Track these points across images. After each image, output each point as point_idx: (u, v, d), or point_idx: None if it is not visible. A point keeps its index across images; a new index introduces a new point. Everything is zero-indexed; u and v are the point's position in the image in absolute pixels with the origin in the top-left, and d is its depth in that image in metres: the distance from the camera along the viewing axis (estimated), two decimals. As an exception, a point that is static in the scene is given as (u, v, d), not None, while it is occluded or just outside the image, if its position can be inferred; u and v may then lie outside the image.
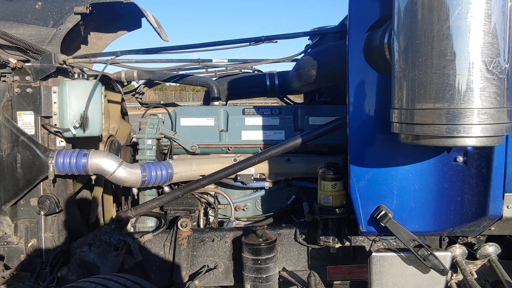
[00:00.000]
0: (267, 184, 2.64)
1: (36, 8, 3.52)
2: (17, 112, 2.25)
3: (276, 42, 2.36)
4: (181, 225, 2.31)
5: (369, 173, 1.85)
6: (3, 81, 2.25)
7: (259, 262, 2.19)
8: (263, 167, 2.54)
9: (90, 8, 3.02)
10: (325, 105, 2.82)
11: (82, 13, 3.34)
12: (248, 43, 2.31)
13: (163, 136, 2.59)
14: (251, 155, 2.57)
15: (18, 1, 3.54)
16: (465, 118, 1.35)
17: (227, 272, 2.38)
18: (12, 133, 2.19)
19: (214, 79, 3.23)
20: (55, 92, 2.27)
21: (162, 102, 3.14)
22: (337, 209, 2.14)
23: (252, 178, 2.56)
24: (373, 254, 1.94)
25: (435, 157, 1.75)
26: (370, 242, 2.31)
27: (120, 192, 3.02)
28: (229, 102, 3.32)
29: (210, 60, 2.88)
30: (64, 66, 2.36)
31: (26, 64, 2.25)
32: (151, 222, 2.60)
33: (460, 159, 1.74)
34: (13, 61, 2.19)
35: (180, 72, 3.19)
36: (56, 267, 2.27)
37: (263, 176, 2.60)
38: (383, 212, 1.81)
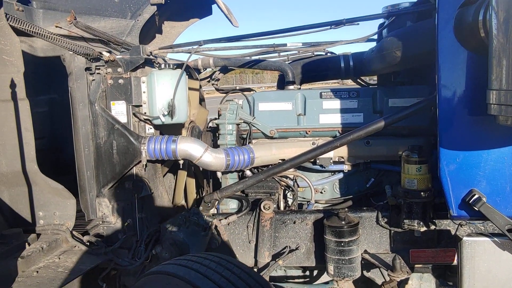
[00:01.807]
0: (346, 167, 2.65)
1: (115, 1, 3.71)
2: (111, 102, 2.42)
3: (358, 24, 2.33)
4: (264, 207, 2.39)
5: (461, 156, 1.80)
6: (97, 73, 2.41)
7: (342, 244, 2.21)
8: (342, 150, 2.54)
9: None
10: (403, 86, 2.75)
11: (158, 3, 3.48)
12: (329, 27, 2.30)
13: (242, 121, 2.67)
14: (330, 138, 2.59)
15: (98, -4, 3.75)
16: None
17: (309, 253, 2.43)
18: (108, 121, 2.36)
19: (287, 62, 3.25)
20: (144, 82, 2.41)
21: (238, 87, 3.22)
22: (422, 193, 2.11)
23: (331, 161, 2.58)
24: (465, 238, 1.90)
25: (536, 139, 1.67)
26: (456, 226, 2.26)
27: (201, 176, 3.16)
28: (303, 85, 3.33)
29: (285, 45, 2.90)
30: (151, 57, 2.49)
31: (117, 56, 2.40)
32: (233, 204, 2.70)
33: None
34: (106, 54, 2.35)
35: (254, 58, 3.24)
36: (149, 245, 2.45)
37: (342, 159, 2.61)
38: (476, 196, 1.76)
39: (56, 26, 2.62)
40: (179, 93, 2.37)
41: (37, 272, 2.10)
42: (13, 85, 2.30)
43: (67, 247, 2.38)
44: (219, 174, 2.62)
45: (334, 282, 2.41)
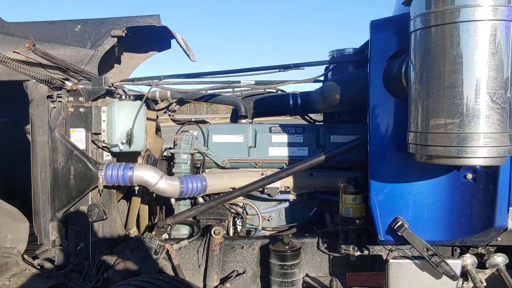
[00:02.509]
0: (291, 197, 2.86)
1: (75, 30, 3.83)
2: (71, 129, 2.53)
3: (304, 69, 2.61)
4: (214, 232, 2.54)
5: (387, 188, 2.07)
6: (59, 101, 2.52)
7: (285, 267, 2.40)
8: (288, 181, 2.77)
9: (125, 31, 3.31)
10: (345, 124, 3.04)
11: (119, 36, 3.65)
12: (278, 70, 2.57)
13: (196, 151, 2.84)
14: (277, 169, 2.81)
15: (59, 24, 3.86)
16: (472, 141, 1.57)
17: (255, 277, 2.59)
18: (67, 148, 2.46)
19: (240, 98, 3.48)
20: (104, 112, 2.54)
21: (193, 119, 3.40)
22: (357, 220, 2.36)
23: (277, 190, 2.79)
24: (390, 260, 2.15)
25: (447, 174, 1.97)
26: (387, 252, 2.51)
27: (154, 202, 3.27)
28: (254, 119, 3.57)
29: (239, 82, 3.15)
30: (112, 88, 2.64)
31: (80, 86, 2.53)
32: (185, 230, 2.83)
33: (469, 176, 1.96)
34: (69, 83, 2.48)
35: (209, 92, 3.46)
36: (101, 269, 2.52)
37: (288, 189, 2.83)
38: (399, 223, 2.03)
39: (14, 52, 2.69)
40: (138, 123, 2.52)
41: (-14, 294, 2.12)
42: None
43: (17, 270, 2.41)
44: (172, 201, 2.75)
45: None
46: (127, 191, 2.98)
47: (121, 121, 2.49)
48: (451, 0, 1.57)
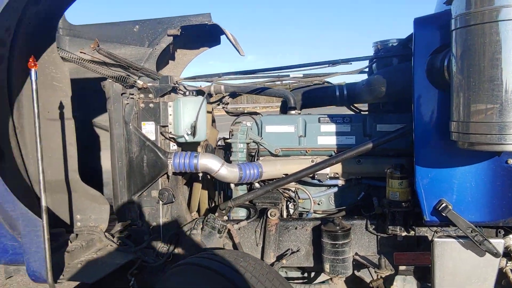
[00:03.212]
0: (340, 182, 3.07)
1: (134, 30, 4.17)
2: (142, 123, 2.85)
3: (351, 63, 2.80)
4: (270, 214, 2.81)
5: (432, 172, 2.25)
6: (131, 98, 2.85)
7: (336, 246, 2.63)
8: (337, 168, 2.98)
9: (180, 30, 3.60)
10: (390, 114, 3.20)
11: (174, 34, 3.95)
12: (328, 65, 2.77)
13: (251, 141, 3.11)
14: (326, 157, 3.02)
15: (119, 25, 4.21)
16: (510, 129, 1.72)
17: (308, 255, 2.84)
18: (140, 139, 2.78)
19: (289, 90, 3.71)
20: (170, 106, 2.84)
21: (246, 111, 3.66)
22: (403, 203, 2.54)
23: (327, 176, 3.01)
24: (436, 239, 2.34)
25: (488, 159, 2.12)
26: (432, 233, 2.68)
27: (211, 188, 3.57)
28: (302, 110, 3.78)
29: (288, 76, 3.38)
30: (177, 85, 2.94)
31: (149, 84, 2.84)
32: (242, 212, 3.12)
33: (511, 161, 2.10)
34: (140, 82, 2.80)
35: (258, 86, 3.71)
36: (171, 246, 2.85)
37: (337, 175, 3.04)
38: (444, 205, 2.20)
39: (81, 52, 2.98)
40: (200, 116, 2.81)
41: (81, 264, 2.49)
42: (61, 107, 2.73)
43: (101, 245, 2.77)
44: (232, 186, 3.03)
45: (329, 281, 2.82)
46: (188, 178, 3.30)
47: (186, 114, 2.78)
48: (490, 1, 1.72)
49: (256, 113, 3.56)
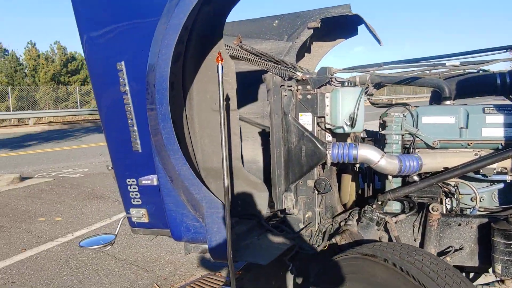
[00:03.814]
0: (508, 178, 2.84)
1: (273, 25, 4.30)
2: (299, 113, 2.93)
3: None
4: (432, 209, 2.70)
5: None
6: (289, 90, 2.94)
7: (511, 246, 2.44)
8: (506, 161, 2.75)
9: (320, 23, 3.59)
10: None
11: (315, 27, 3.97)
12: (505, 50, 2.56)
13: (407, 132, 3.01)
14: (491, 150, 2.81)
15: (259, 21, 4.36)
16: None
17: (472, 254, 2.67)
18: (299, 129, 2.86)
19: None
20: (327, 97, 2.87)
21: (394, 102, 3.56)
22: None
23: (494, 171, 2.80)
24: None
25: None
26: None
27: (357, 179, 3.55)
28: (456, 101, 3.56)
29: (444, 64, 3.20)
30: (334, 77, 2.96)
31: (307, 76, 2.90)
32: (396, 205, 3.05)
33: None
34: (299, 74, 2.87)
35: (406, 76, 3.57)
36: (325, 234, 2.90)
37: (505, 170, 2.81)
38: None
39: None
40: (359, 107, 2.79)
41: (248, 247, 2.65)
42: (227, 99, 2.92)
43: (261, 231, 2.92)
44: (389, 178, 2.98)
45: (496, 283, 2.62)
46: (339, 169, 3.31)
47: (345, 105, 2.79)
48: None
49: (406, 104, 3.44)
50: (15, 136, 22.32)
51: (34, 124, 28.38)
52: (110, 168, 3.18)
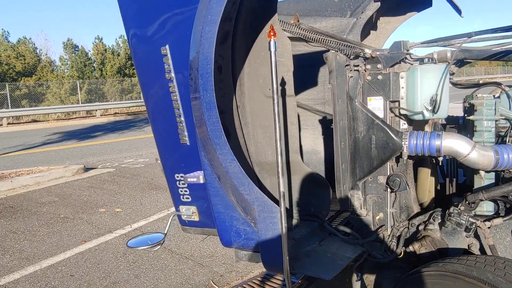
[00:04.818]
0: None
1: (334, 1, 3.82)
2: (368, 98, 2.48)
3: None
4: (538, 212, 2.17)
5: None
6: (355, 70, 2.50)
7: None
8: None
9: None
10: None
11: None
12: None
13: (502, 117, 2.47)
14: None
15: (318, -3, 3.91)
16: None
17: None
18: (368, 117, 2.42)
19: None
20: (402, 78, 2.40)
21: (481, 81, 2.99)
22: None
23: None
24: None
25: None
26: None
27: (436, 174, 3.04)
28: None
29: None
30: (410, 53, 2.47)
31: (377, 53, 2.44)
32: (488, 207, 2.52)
33: None
34: (368, 51, 2.42)
35: (495, 49, 2.98)
36: (400, 240, 2.45)
37: None
38: None
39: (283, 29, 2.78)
40: (444, 88, 2.30)
41: (308, 255, 2.28)
42: (283, 83, 2.54)
43: (324, 235, 2.53)
44: (482, 174, 2.46)
45: None
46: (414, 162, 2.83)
47: (425, 86, 2.31)
48: None
49: (499, 83, 2.87)
50: (83, 127, 23.37)
51: (101, 115, 29.65)
52: (158, 161, 2.94)
